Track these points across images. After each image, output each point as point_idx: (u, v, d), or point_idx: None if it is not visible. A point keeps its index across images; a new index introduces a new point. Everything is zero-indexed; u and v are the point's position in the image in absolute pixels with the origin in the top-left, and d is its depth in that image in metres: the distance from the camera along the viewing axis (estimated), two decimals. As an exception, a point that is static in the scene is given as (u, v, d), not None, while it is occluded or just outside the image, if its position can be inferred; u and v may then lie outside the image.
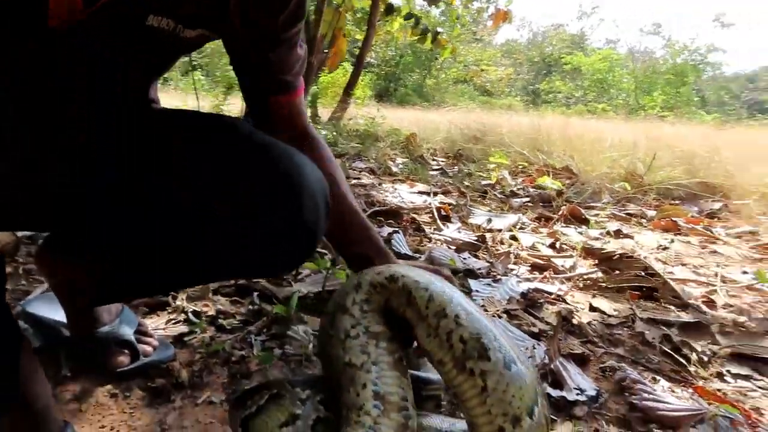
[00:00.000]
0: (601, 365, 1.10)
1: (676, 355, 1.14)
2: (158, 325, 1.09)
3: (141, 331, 0.98)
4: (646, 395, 0.96)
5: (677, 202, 3.12)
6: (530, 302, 1.38)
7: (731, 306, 1.48)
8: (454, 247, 1.81)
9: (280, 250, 0.70)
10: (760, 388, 1.06)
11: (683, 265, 1.89)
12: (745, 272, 1.84)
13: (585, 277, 1.61)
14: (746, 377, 1.10)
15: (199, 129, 0.76)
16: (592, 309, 1.39)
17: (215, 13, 0.73)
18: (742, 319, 1.38)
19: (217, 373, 0.95)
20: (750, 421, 0.92)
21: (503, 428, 0.59)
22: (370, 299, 0.66)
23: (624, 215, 2.63)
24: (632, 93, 23.05)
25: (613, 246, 1.98)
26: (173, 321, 1.12)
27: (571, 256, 1.78)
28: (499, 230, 2.08)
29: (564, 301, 1.42)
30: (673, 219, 2.54)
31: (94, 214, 0.73)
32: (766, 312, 1.46)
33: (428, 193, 2.67)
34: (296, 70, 0.83)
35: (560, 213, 2.38)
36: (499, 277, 1.53)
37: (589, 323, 1.29)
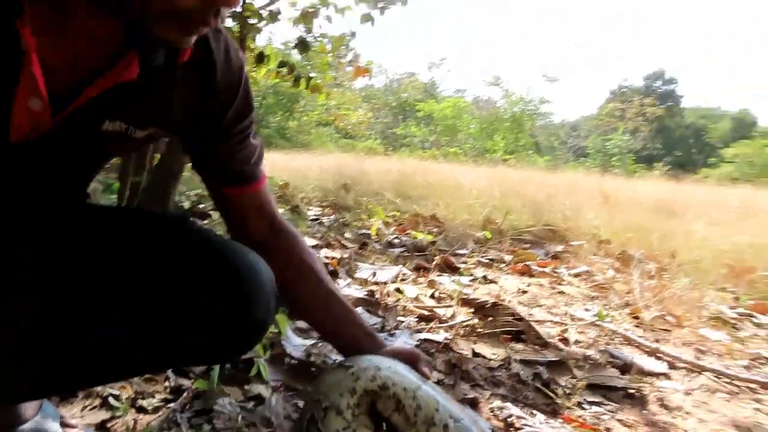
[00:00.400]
0: (490, 406, 1.29)
1: (546, 390, 1.38)
2: (74, 413, 1.08)
3: (64, 423, 0.97)
4: (528, 429, 1.17)
5: (527, 245, 3.57)
6: (423, 353, 1.56)
7: (581, 342, 1.79)
8: (347, 304, 1.94)
9: (229, 346, 0.79)
10: (609, 411, 1.33)
11: (539, 306, 2.22)
12: (587, 309, 2.20)
13: (464, 324, 1.83)
14: (598, 404, 1.36)
15: (146, 228, 0.82)
16: (475, 354, 1.60)
17: (163, 115, 0.77)
18: (590, 353, 1.68)
19: (150, 456, 0.97)
20: (605, 441, 1.16)
21: None
22: (361, 403, 0.77)
23: (487, 261, 2.97)
24: (478, 138, 25.32)
25: (482, 291, 2.26)
26: (89, 407, 1.11)
27: (450, 306, 2.01)
28: (385, 283, 2.26)
29: (451, 349, 1.62)
30: (526, 263, 2.92)
31: (34, 314, 0.75)
32: (606, 345, 1.79)
33: (314, 247, 2.79)
34: (254, 160, 0.88)
35: (434, 263, 2.64)
36: (393, 331, 1.70)
37: (474, 368, 1.49)
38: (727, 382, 1.58)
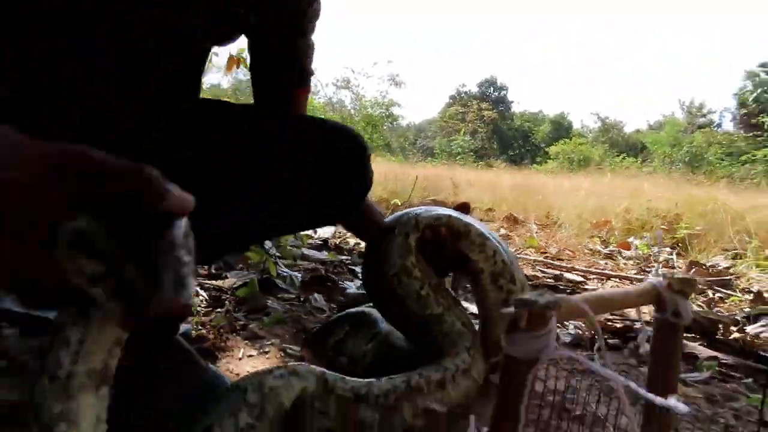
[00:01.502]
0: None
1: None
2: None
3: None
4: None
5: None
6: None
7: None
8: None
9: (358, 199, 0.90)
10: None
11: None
12: (503, 250, 2.58)
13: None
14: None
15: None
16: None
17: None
18: (524, 272, 2.03)
19: (233, 339, 1.07)
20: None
21: None
22: (419, 256, 0.88)
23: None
24: (334, 138, 25.77)
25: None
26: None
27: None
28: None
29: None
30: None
31: None
32: (533, 268, 2.16)
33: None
34: (312, 63, 1.02)
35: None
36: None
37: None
38: (628, 283, 2.03)
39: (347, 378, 0.68)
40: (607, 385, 0.99)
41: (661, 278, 0.51)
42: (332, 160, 0.86)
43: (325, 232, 2.51)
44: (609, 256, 2.75)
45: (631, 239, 3.31)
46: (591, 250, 2.84)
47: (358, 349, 0.92)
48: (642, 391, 0.37)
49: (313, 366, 0.65)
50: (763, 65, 25.49)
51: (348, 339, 0.94)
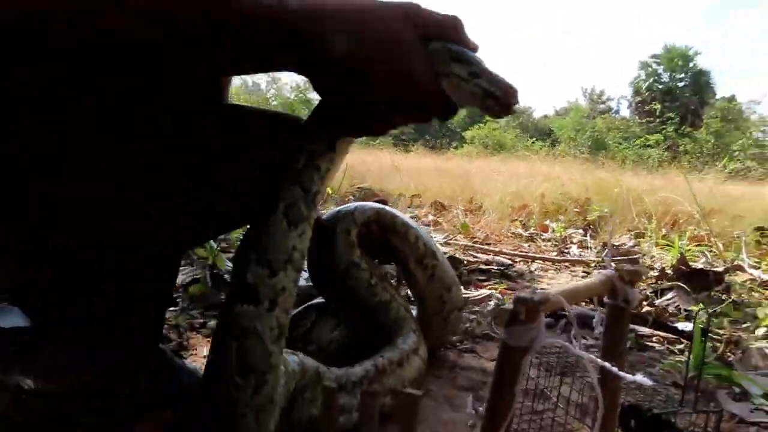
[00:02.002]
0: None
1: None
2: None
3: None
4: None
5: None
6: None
7: (445, 252, 2.25)
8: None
9: None
10: (494, 284, 1.79)
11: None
12: (431, 236, 2.69)
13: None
14: (486, 280, 1.82)
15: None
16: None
17: None
18: (457, 256, 2.15)
19: (194, 337, 1.07)
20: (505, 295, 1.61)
21: (442, 294, 1.03)
22: (361, 249, 0.94)
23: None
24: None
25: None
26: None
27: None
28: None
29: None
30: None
31: None
32: (463, 253, 2.29)
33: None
34: None
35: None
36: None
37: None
38: (550, 264, 2.21)
39: (331, 368, 0.74)
40: (547, 361, 1.11)
41: (613, 271, 0.60)
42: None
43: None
44: (530, 239, 2.95)
45: (548, 222, 3.55)
46: (513, 233, 3.03)
47: (325, 337, 0.98)
48: (615, 369, 0.45)
49: (310, 358, 0.70)
50: (654, 56, 27.58)
51: (314, 329, 0.99)
